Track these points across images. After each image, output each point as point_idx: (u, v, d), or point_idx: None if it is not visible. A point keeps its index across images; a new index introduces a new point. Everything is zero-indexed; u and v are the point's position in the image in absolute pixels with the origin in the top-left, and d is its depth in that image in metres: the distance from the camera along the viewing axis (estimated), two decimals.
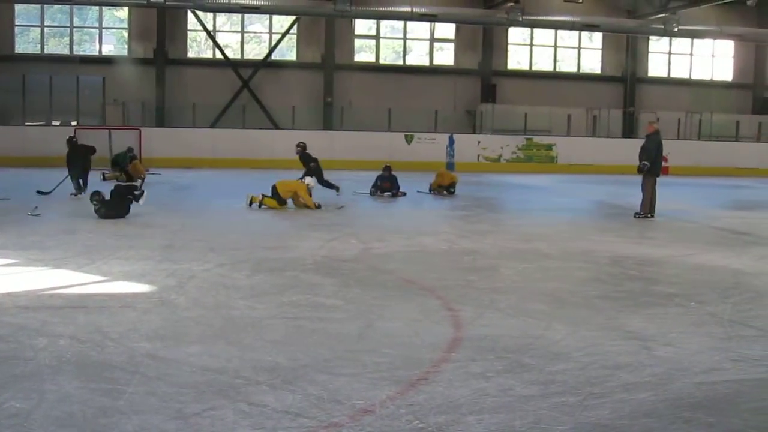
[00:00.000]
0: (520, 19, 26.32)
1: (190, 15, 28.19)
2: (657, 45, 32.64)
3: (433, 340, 5.27)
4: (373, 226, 11.81)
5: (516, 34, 31.31)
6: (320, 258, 8.63)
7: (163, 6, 25.05)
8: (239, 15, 28.28)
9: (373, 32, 30.50)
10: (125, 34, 28.67)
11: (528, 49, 31.66)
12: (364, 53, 30.85)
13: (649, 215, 13.30)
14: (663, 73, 32.75)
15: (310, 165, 15.93)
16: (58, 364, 4.55)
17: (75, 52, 28.17)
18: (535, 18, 27.30)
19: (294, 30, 29.36)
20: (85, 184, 15.41)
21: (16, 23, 27.97)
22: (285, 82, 28.83)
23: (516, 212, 15.43)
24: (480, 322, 5.85)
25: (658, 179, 13.48)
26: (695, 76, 32.71)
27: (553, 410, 3.99)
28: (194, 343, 5.08)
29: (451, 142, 26.70)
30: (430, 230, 11.42)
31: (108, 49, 28.99)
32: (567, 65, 32.20)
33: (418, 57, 31.14)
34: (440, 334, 5.44)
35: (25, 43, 28.33)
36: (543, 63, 32.05)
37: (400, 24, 30.04)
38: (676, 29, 27.04)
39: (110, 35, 29.23)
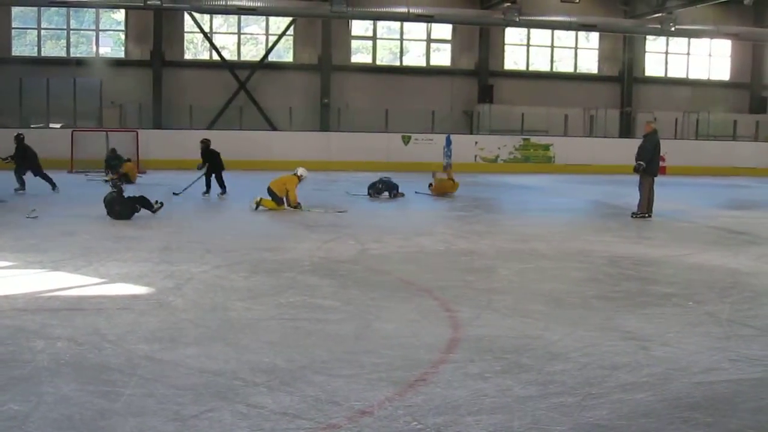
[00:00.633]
0: (517, 20, 26.29)
1: (186, 17, 28.14)
2: (654, 45, 32.62)
3: (431, 340, 5.27)
4: (370, 227, 11.80)
5: (513, 35, 31.28)
6: (318, 259, 8.63)
7: (160, 8, 24.97)
8: (236, 17, 28.22)
9: (370, 33, 30.45)
10: (122, 36, 28.62)
11: (525, 49, 31.64)
12: (360, 54, 30.81)
13: (646, 215, 13.31)
14: (660, 73, 32.73)
15: (215, 161, 15.93)
16: (56, 366, 4.55)
17: (72, 55, 28.11)
18: (532, 18, 27.26)
19: (291, 31, 29.31)
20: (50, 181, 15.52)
21: (13, 26, 27.86)
22: (282, 83, 28.79)
23: (513, 212, 15.43)
24: (478, 322, 5.86)
25: (655, 179, 13.50)
26: (692, 76, 32.67)
27: (551, 411, 3.99)
28: (192, 344, 5.08)
29: (449, 142, 26.68)
30: (428, 231, 11.43)
31: (105, 52, 28.93)
32: (564, 65, 32.18)
33: (414, 58, 31.12)
34: (438, 335, 5.44)
35: (22, 46, 28.25)
36: (540, 63, 32.02)
37: (396, 25, 30.00)
38: (672, 29, 27.03)
39: (107, 37, 29.16)
